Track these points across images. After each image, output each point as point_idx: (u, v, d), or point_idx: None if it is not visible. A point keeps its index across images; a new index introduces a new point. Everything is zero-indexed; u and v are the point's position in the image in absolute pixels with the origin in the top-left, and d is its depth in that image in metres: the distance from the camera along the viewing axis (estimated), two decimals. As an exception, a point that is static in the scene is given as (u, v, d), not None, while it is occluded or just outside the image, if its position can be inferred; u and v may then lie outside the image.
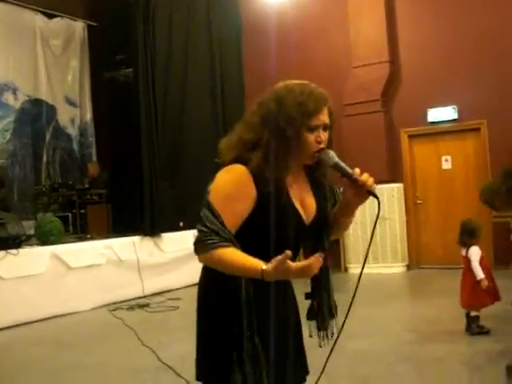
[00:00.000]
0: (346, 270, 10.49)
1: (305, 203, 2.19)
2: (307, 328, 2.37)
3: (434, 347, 5.36)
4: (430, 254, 10.31)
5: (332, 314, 2.35)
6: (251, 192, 2.04)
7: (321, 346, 2.34)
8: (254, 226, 2.07)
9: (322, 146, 2.09)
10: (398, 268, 10.14)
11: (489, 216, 9.48)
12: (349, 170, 2.09)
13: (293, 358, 2.28)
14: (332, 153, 2.11)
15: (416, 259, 10.42)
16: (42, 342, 6.59)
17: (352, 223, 2.33)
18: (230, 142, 2.16)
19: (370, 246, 2.39)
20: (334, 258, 10.38)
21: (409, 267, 10.31)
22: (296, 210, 2.14)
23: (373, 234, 2.34)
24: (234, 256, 1.98)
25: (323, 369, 2.28)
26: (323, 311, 2.33)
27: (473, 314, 5.66)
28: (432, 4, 10.20)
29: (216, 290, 2.17)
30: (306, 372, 2.36)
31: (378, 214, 2.15)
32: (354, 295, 2.18)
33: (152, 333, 6.61)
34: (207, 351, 2.20)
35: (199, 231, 2.05)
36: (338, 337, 2.22)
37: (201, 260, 2.08)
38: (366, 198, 2.15)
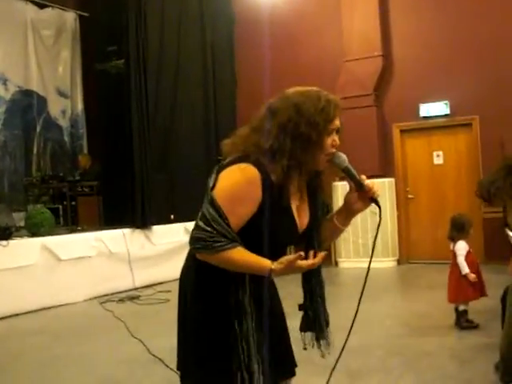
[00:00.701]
0: (336, 264, 10.51)
1: (300, 211, 2.22)
2: (300, 341, 2.37)
3: (423, 341, 5.38)
4: (421, 249, 10.34)
5: (327, 322, 2.37)
6: (258, 196, 2.06)
7: (323, 356, 2.35)
8: (252, 228, 2.08)
9: (334, 149, 2.15)
10: (388, 263, 10.16)
11: (479, 211, 9.52)
12: (357, 174, 2.18)
13: (284, 351, 2.31)
14: (344, 156, 2.18)
15: (406, 254, 10.45)
16: (33, 333, 6.57)
17: (343, 232, 2.35)
18: (236, 144, 2.16)
19: (373, 250, 2.35)
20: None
21: (399, 262, 10.34)
22: (294, 219, 2.18)
23: (374, 243, 2.32)
24: (240, 256, 2.03)
25: (333, 367, 2.30)
26: (320, 320, 2.34)
27: (461, 308, 5.69)
28: (425, -1, 10.21)
29: (214, 287, 2.14)
30: (295, 365, 2.37)
31: (380, 222, 2.19)
32: (361, 293, 2.27)
33: (142, 325, 6.60)
34: (203, 344, 2.14)
35: (203, 230, 2.02)
36: (348, 335, 2.23)
37: (202, 258, 2.07)
38: (368, 205, 2.22)
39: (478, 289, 5.65)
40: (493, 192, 3.00)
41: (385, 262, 10.11)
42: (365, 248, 10.12)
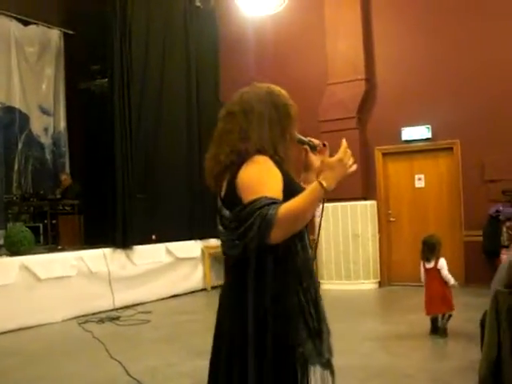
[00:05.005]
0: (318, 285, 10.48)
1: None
2: None
3: (404, 364, 5.38)
4: (402, 272, 10.35)
5: None
6: (279, 173, 2.19)
7: None
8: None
9: None
10: (369, 285, 10.18)
11: (460, 234, 9.61)
12: (307, 139, 2.49)
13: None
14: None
15: (388, 276, 10.46)
16: (11, 353, 6.46)
17: None
18: (225, 153, 2.29)
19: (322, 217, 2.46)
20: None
21: (380, 284, 10.35)
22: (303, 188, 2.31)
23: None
24: (294, 202, 2.06)
25: None
26: None
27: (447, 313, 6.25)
28: (409, 24, 10.33)
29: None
30: None
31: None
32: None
33: (122, 346, 6.53)
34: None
35: (258, 216, 2.02)
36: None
37: (279, 232, 2.03)
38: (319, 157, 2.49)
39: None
40: None
41: (366, 284, 10.13)
42: (346, 270, 10.13)
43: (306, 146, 2.50)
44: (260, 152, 2.21)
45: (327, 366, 2.20)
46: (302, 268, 2.21)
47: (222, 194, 2.29)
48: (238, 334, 2.16)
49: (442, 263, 6.26)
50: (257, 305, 2.14)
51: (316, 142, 2.51)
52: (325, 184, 2.09)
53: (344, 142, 2.20)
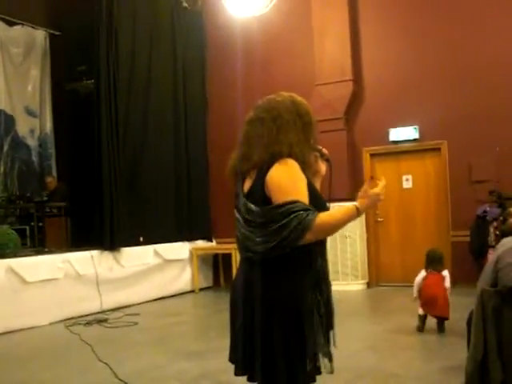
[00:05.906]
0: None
1: None
2: None
3: (391, 364, 5.38)
4: (390, 272, 10.38)
5: None
6: (304, 177, 2.40)
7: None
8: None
9: None
10: (357, 285, 10.18)
11: (447, 235, 9.64)
12: (319, 147, 2.65)
13: None
14: None
15: (376, 277, 10.47)
16: (-3, 357, 6.42)
17: None
18: (258, 153, 2.44)
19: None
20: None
21: (369, 285, 10.36)
22: (320, 195, 2.57)
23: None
24: (329, 216, 2.36)
25: None
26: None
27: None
28: (396, 25, 10.35)
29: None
30: None
31: (331, 174, 2.68)
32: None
33: (109, 348, 6.49)
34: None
35: (293, 220, 2.27)
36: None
37: (311, 236, 2.30)
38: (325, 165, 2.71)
39: None
40: None
41: (354, 285, 10.13)
42: (334, 271, 10.12)
43: (317, 154, 2.64)
44: (291, 156, 2.40)
45: (327, 354, 2.57)
46: (321, 270, 2.48)
47: (246, 190, 2.48)
48: (265, 325, 2.39)
49: (447, 273, 6.58)
50: (282, 300, 2.38)
51: (325, 151, 2.65)
52: (360, 209, 2.40)
53: (383, 180, 2.51)
